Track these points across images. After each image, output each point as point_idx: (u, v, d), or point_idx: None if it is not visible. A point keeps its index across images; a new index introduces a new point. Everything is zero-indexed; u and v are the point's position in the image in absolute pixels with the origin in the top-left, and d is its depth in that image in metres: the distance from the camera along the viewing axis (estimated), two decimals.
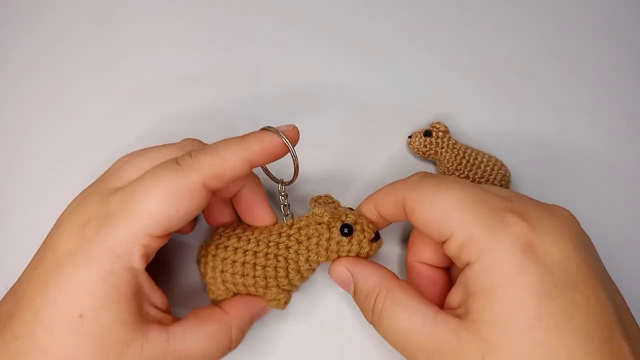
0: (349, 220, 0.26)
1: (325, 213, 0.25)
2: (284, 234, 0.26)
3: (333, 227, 0.25)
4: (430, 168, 0.35)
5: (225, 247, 0.27)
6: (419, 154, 0.34)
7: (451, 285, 0.24)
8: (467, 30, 0.40)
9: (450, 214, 0.22)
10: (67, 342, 0.20)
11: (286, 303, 0.27)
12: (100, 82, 0.36)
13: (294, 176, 0.27)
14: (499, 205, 0.22)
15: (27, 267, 0.23)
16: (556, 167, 0.35)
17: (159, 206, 0.22)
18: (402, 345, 0.22)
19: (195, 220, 0.31)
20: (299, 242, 0.26)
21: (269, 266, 0.26)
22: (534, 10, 0.41)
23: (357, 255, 0.26)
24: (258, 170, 0.28)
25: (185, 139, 0.27)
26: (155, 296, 0.23)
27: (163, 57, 0.37)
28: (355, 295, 0.25)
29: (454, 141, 0.33)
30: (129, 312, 0.21)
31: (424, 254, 0.26)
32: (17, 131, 0.34)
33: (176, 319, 0.24)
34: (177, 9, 0.39)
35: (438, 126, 0.33)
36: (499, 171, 0.32)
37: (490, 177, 0.32)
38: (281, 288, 0.26)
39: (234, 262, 0.26)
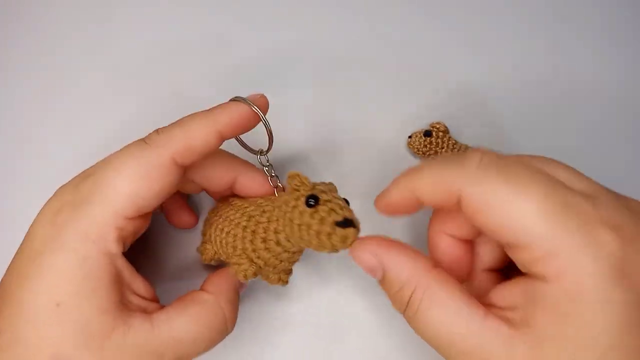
0: (322, 195, 0.22)
1: (295, 176, 0.23)
2: (269, 199, 0.25)
3: (302, 196, 0.22)
4: None
5: (225, 203, 0.27)
6: (419, 154, 0.34)
7: (472, 259, 0.23)
8: (468, 30, 0.40)
9: (530, 222, 0.18)
10: (49, 332, 0.20)
11: (246, 274, 0.24)
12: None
13: (269, 144, 0.26)
14: (588, 215, 0.18)
15: (10, 263, 0.23)
16: None
17: (129, 186, 0.22)
18: (440, 347, 0.20)
19: (196, 215, 0.31)
20: (273, 209, 0.24)
21: (241, 224, 0.25)
22: (537, 12, 0.41)
23: (318, 241, 0.22)
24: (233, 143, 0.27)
25: None
26: (137, 283, 0.23)
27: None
28: (384, 284, 0.22)
29: (454, 141, 0.33)
30: (108, 299, 0.21)
31: (452, 225, 0.24)
32: (17, 131, 0.34)
33: (163, 307, 0.23)
34: None
35: (438, 126, 0.33)
36: None
37: None
38: (245, 253, 0.24)
39: (221, 216, 0.26)
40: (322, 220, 0.21)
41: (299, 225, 0.22)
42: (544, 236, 0.18)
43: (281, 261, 0.25)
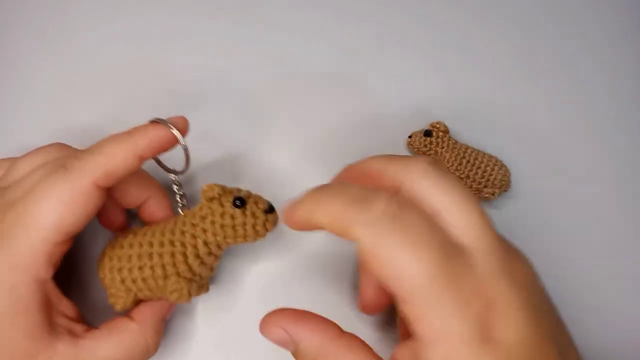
0: (241, 194, 0.25)
1: (214, 186, 0.25)
2: (179, 220, 0.26)
3: (226, 201, 0.25)
4: None
5: (122, 245, 0.26)
6: (419, 154, 0.34)
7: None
8: (467, 29, 0.40)
9: (408, 279, 0.19)
10: None
11: (190, 294, 0.25)
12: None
13: (185, 165, 0.27)
14: (466, 285, 0.19)
15: None
16: (558, 166, 0.35)
17: (55, 214, 0.22)
18: None
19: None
20: (194, 225, 0.25)
21: (165, 253, 0.25)
22: (534, 11, 0.41)
23: (254, 232, 0.25)
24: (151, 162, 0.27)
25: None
26: (64, 305, 0.24)
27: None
28: (298, 356, 0.22)
29: (454, 141, 0.33)
30: (35, 323, 0.21)
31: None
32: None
33: (89, 329, 0.24)
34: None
35: (438, 126, 0.33)
36: (499, 171, 0.32)
37: (491, 177, 0.32)
38: (181, 276, 0.25)
39: (130, 256, 0.25)
40: (254, 214, 0.25)
41: (235, 226, 0.25)
42: (424, 298, 0.18)
43: (212, 269, 0.26)
